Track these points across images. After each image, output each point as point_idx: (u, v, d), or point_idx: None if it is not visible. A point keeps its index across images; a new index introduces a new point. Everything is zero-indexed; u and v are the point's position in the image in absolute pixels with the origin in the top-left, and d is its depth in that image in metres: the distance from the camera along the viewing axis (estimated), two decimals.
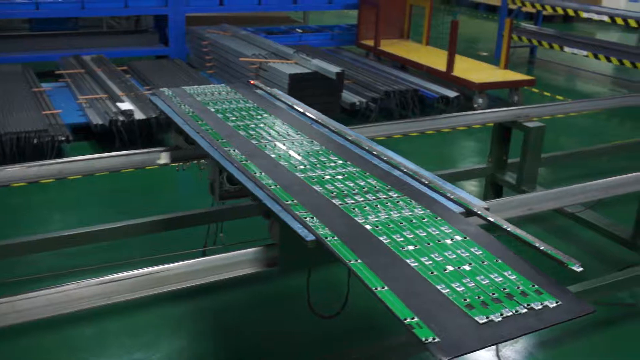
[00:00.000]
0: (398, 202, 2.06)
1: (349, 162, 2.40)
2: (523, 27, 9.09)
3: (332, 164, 2.38)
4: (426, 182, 2.22)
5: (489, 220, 1.97)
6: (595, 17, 7.95)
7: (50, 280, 2.92)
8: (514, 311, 1.50)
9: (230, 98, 3.21)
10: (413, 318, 1.47)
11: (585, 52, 7.90)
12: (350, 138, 2.67)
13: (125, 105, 5.02)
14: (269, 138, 2.65)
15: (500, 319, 1.48)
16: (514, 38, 8.58)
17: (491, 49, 9.28)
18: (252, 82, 3.63)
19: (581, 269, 1.68)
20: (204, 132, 2.67)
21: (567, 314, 1.52)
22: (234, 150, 2.46)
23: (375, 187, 2.18)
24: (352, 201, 2.06)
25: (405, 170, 2.33)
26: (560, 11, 8.44)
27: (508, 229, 1.91)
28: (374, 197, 2.09)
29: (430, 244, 1.79)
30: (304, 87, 5.34)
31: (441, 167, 4.20)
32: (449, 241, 1.82)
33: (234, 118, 2.89)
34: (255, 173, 2.25)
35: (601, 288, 2.86)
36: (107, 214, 3.89)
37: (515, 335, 1.45)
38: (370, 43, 7.68)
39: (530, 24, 9.42)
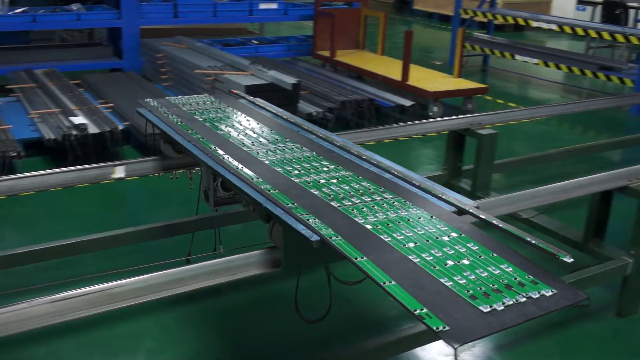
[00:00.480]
0: (393, 203, 2.16)
1: (340, 167, 2.49)
2: (475, 37, 9.28)
3: (325, 169, 2.47)
4: (417, 184, 2.31)
5: (481, 218, 2.07)
6: (545, 25, 8.17)
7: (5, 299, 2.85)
8: (514, 300, 1.61)
9: (216, 107, 3.25)
10: (422, 309, 1.57)
11: (535, 60, 8.09)
12: (338, 144, 2.75)
13: (79, 120, 4.94)
14: (260, 145, 2.70)
15: (502, 307, 1.58)
16: (467, 47, 8.74)
17: (445, 58, 9.43)
18: (234, 91, 3.68)
19: (572, 260, 1.79)
20: (195, 141, 2.70)
21: (563, 301, 1.62)
22: (228, 158, 2.52)
23: (369, 189, 2.27)
24: (350, 203, 2.14)
25: (395, 173, 2.43)
26: (511, 20, 8.64)
27: (499, 225, 2.01)
28: (370, 199, 2.18)
29: (429, 241, 1.89)
30: (261, 97, 5.33)
31: None
32: (446, 238, 1.92)
33: (222, 126, 2.94)
34: (252, 179, 2.32)
35: None
36: (66, 230, 3.83)
37: (519, 321, 1.55)
38: (326, 54, 7.73)
39: (483, 33, 9.62)
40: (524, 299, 1.61)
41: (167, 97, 3.39)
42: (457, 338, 1.47)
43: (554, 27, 7.98)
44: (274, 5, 8.20)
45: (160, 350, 2.90)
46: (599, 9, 10.42)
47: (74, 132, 4.76)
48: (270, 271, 2.17)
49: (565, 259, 1.79)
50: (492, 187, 4.02)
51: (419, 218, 2.04)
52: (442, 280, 1.69)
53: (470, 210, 2.10)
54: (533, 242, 1.90)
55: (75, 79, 6.31)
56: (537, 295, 1.62)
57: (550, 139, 6.17)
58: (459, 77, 6.88)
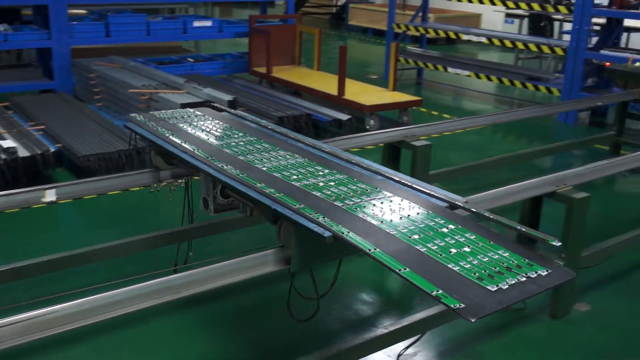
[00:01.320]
0: (391, 201, 2.32)
1: (334, 171, 2.64)
2: (409, 50, 9.47)
3: (321, 173, 2.61)
4: (409, 184, 2.48)
5: (472, 211, 2.27)
6: (475, 38, 8.41)
7: None
8: (516, 280, 1.80)
9: (205, 120, 3.35)
10: (438, 291, 1.74)
11: (467, 72, 8.31)
12: (326, 150, 2.89)
13: (8, 143, 4.78)
14: (254, 154, 2.82)
15: (507, 286, 1.76)
16: (401, 61, 8.91)
17: (381, 72, 9.58)
18: (215, 104, 3.78)
19: (559, 243, 2.02)
20: (191, 152, 2.79)
21: (558, 279, 1.84)
22: (227, 166, 2.62)
23: (366, 190, 2.43)
24: (351, 202, 2.29)
25: (386, 174, 2.59)
26: (442, 34, 8.86)
27: (490, 217, 2.20)
28: (369, 198, 2.34)
29: (431, 233, 2.07)
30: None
31: None
32: (445, 230, 2.10)
33: (213, 138, 3.03)
34: (255, 184, 2.43)
35: None
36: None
37: (523, 297, 1.75)
38: (263, 70, 7.74)
39: (416, 47, 9.82)
40: (524, 279, 1.80)
41: (151, 112, 3.51)
42: (473, 314, 1.66)
43: (484, 39, 8.22)
44: (208, 23, 8.17)
45: (179, 349, 3.02)
46: (526, 21, 10.80)
47: (3, 156, 4.60)
48: (282, 269, 2.30)
49: (554, 243, 2.02)
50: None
51: (417, 213, 2.22)
52: (449, 265, 1.87)
53: (461, 205, 2.30)
54: (523, 229, 2.12)
55: (3, 102, 6.11)
56: (535, 275, 1.82)
57: (483, 148, 6.33)
58: (394, 90, 6.99)
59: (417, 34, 9.40)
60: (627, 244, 3.70)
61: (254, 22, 8.05)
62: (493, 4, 8.15)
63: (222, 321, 3.29)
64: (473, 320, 1.64)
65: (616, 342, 3.19)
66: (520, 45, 8.03)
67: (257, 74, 7.95)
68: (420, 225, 2.11)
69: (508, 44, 8.04)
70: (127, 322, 3.09)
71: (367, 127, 6.39)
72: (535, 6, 7.51)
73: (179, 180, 3.24)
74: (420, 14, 9.63)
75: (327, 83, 7.12)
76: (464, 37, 8.63)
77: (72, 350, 2.94)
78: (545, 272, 1.84)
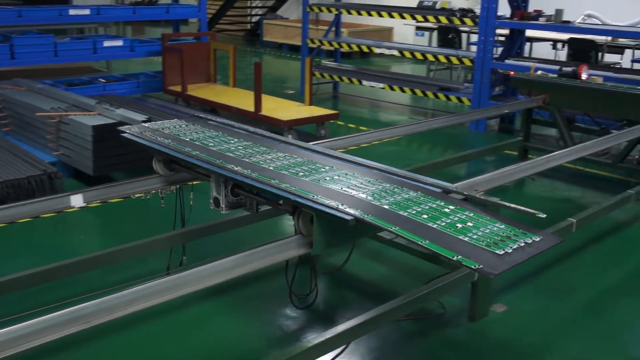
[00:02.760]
0: (394, 189, 2.66)
1: (334, 167, 2.93)
2: (324, 65, 9.59)
3: (323, 170, 2.89)
4: (403, 175, 2.84)
5: (464, 194, 2.67)
6: (387, 52, 8.60)
7: None
8: (516, 245, 2.17)
9: (195, 129, 3.56)
10: (458, 256, 2.08)
11: (381, 85, 8.49)
12: (319, 150, 3.21)
13: None
14: (256, 156, 3.06)
15: (511, 250, 2.14)
16: (317, 75, 9.00)
17: (297, 87, 9.65)
18: (200, 115, 3.98)
19: (544, 215, 2.42)
20: (199, 157, 3.00)
21: (548, 244, 2.24)
22: (236, 167, 2.85)
23: (370, 181, 2.75)
24: (361, 192, 2.61)
25: (380, 168, 2.92)
26: (356, 48, 9.02)
27: (482, 197, 2.64)
28: (375, 187, 2.66)
29: (436, 213, 2.41)
30: (110, 137, 5.17)
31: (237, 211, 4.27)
32: (447, 210, 2.45)
33: (212, 144, 3.24)
34: (270, 181, 2.67)
35: (412, 302, 3.04)
36: None
37: (526, 258, 2.13)
38: (178, 89, 7.64)
39: (331, 61, 9.95)
40: (523, 244, 2.19)
41: (142, 124, 3.69)
42: (491, 271, 2.01)
43: (395, 52, 8.43)
44: (119, 43, 8.00)
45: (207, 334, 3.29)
46: (435, 33, 11.15)
47: None
48: (305, 252, 2.56)
49: (540, 216, 2.42)
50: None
51: (420, 198, 2.56)
52: (460, 237, 2.21)
53: (454, 190, 2.70)
54: (512, 206, 2.53)
55: None
56: (530, 241, 2.21)
57: (400, 158, 6.47)
58: (310, 104, 7.05)
59: (332, 48, 9.53)
60: None
61: (167, 40, 7.95)
62: (403, 17, 8.38)
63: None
64: (494, 275, 2.00)
65: (533, 340, 3.31)
66: (430, 57, 8.28)
67: (172, 93, 7.84)
68: (425, 208, 2.46)
69: (419, 56, 8.27)
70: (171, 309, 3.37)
71: None
72: (443, 19, 7.76)
73: (171, 187, 3.42)
74: (333, 28, 9.78)
75: (243, 100, 7.11)
76: (377, 50, 8.81)
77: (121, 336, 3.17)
78: (538, 239, 2.24)
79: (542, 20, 7.25)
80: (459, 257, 2.07)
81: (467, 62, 7.77)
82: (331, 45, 9.19)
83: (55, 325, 1.92)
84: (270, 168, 2.87)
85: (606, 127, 5.63)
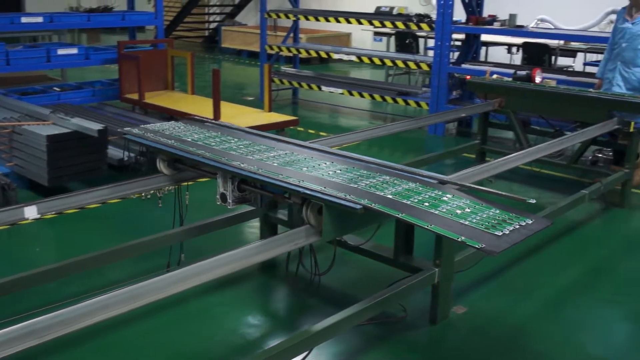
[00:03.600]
0: (394, 181, 2.88)
1: (334, 163, 3.14)
2: (283, 71, 9.59)
3: (323, 165, 3.10)
4: (399, 169, 3.06)
5: (459, 184, 2.91)
6: (345, 57, 8.64)
7: None
8: (512, 227, 2.43)
9: (194, 130, 3.74)
10: (461, 237, 2.32)
11: (340, 90, 8.52)
12: (318, 147, 3.44)
13: None
14: (259, 153, 3.25)
15: (508, 232, 2.39)
16: (276, 81, 8.99)
17: (256, 93, 9.63)
18: (196, 117, 4.20)
19: (534, 201, 2.76)
20: (204, 155, 3.19)
21: (540, 226, 2.51)
22: (242, 164, 3.05)
23: (370, 174, 2.96)
24: (364, 184, 2.82)
25: (377, 163, 3.16)
26: (314, 54, 9.04)
27: (474, 186, 2.93)
28: (375, 180, 2.88)
29: (435, 201, 2.64)
30: (65, 147, 5.08)
31: (218, 212, 4.23)
32: (445, 198, 2.69)
33: (214, 143, 3.43)
34: (278, 176, 2.89)
35: (374, 306, 3.04)
36: None
37: (522, 238, 2.40)
38: (135, 97, 7.53)
39: (290, 67, 9.95)
40: (517, 226, 2.44)
41: (142, 126, 3.79)
42: (493, 249, 2.24)
43: (354, 58, 8.47)
44: (73, 51, 7.85)
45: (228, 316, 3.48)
46: (393, 39, 11.25)
47: None
48: (313, 241, 2.80)
49: (531, 201, 2.72)
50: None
51: (419, 188, 2.80)
52: (461, 221, 2.45)
53: (449, 180, 2.95)
54: (504, 193, 2.80)
55: None
56: (524, 224, 2.47)
57: None
58: (270, 111, 7.03)
59: (290, 54, 9.53)
60: None
61: (123, 47, 7.84)
62: (360, 23, 8.43)
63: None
64: (496, 253, 2.23)
65: (494, 341, 3.35)
66: (388, 62, 8.35)
67: (129, 101, 7.72)
68: (425, 197, 2.69)
69: (377, 61, 8.33)
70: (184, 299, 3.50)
71: None
72: (400, 24, 7.84)
73: (167, 188, 3.56)
74: (291, 34, 9.78)
75: (202, 107, 7.04)
76: (335, 56, 8.84)
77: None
78: (530, 221, 2.49)
79: (496, 25, 7.39)
80: (463, 238, 2.30)
81: (425, 67, 7.86)
82: (290, 51, 9.19)
83: (7, 340, 1.87)
84: (275, 164, 3.07)
85: (560, 129, 5.74)
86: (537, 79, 5.79)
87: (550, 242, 4.58)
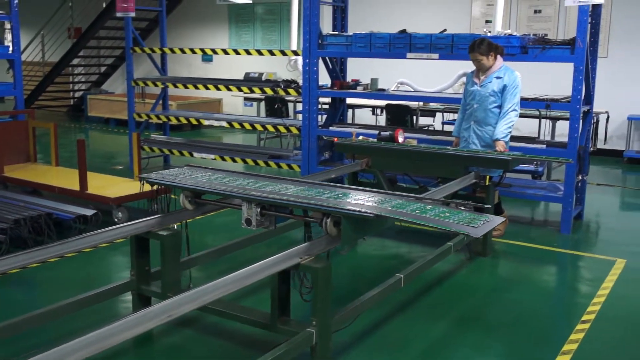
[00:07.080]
0: (385, 199, 3.70)
1: (334, 190, 3.88)
2: (153, 139, 9.45)
3: (327, 192, 3.81)
4: (382, 192, 3.97)
5: (433, 199, 3.85)
6: (216, 123, 8.69)
7: None
8: (481, 222, 3.37)
9: (200, 173, 4.42)
10: (452, 229, 3.27)
11: (212, 156, 8.51)
12: (312, 181, 4.23)
13: None
14: (269, 187, 3.90)
15: (480, 225, 3.35)
16: (146, 149, 8.85)
17: (126, 162, 9.40)
18: (193, 165, 4.70)
19: (489, 206, 4.22)
20: (227, 190, 3.87)
21: (496, 221, 3.52)
22: (265, 195, 3.70)
23: (366, 196, 3.76)
24: (368, 203, 3.59)
25: (367, 190, 3.98)
26: (184, 120, 9.02)
27: (445, 201, 3.90)
28: (375, 199, 3.72)
29: (423, 210, 3.52)
30: None
31: (89, 288, 4.04)
32: (428, 207, 3.61)
33: (227, 181, 4.11)
34: (298, 200, 3.58)
35: None
36: None
37: (489, 227, 3.43)
38: None
39: (160, 134, 9.83)
40: (483, 222, 3.37)
41: (155, 172, 4.42)
42: (476, 234, 3.28)
43: (224, 123, 8.53)
44: None
45: None
46: (263, 104, 11.46)
47: None
48: (334, 247, 3.63)
49: (487, 206, 4.22)
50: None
51: (404, 202, 3.63)
52: (447, 220, 3.35)
53: (423, 197, 3.92)
54: (467, 203, 4.04)
55: None
56: (487, 220, 3.43)
57: (238, 228, 6.44)
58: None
59: (160, 121, 9.44)
60: (371, 301, 3.99)
61: None
62: (229, 90, 8.54)
63: None
64: (479, 236, 3.34)
65: None
66: (259, 127, 8.48)
67: None
68: (413, 207, 3.56)
69: (247, 126, 8.43)
70: None
71: (117, 219, 6.18)
72: (268, 90, 8.02)
73: (175, 225, 4.06)
74: (160, 102, 9.72)
75: (68, 178, 6.79)
76: (206, 122, 8.87)
77: None
78: (489, 219, 3.44)
79: (359, 89, 7.75)
80: (453, 229, 3.24)
81: (295, 130, 8.05)
82: (159, 118, 9.11)
83: None
84: (289, 192, 3.74)
85: (424, 185, 6.05)
86: (400, 139, 6.10)
87: (422, 293, 4.76)
